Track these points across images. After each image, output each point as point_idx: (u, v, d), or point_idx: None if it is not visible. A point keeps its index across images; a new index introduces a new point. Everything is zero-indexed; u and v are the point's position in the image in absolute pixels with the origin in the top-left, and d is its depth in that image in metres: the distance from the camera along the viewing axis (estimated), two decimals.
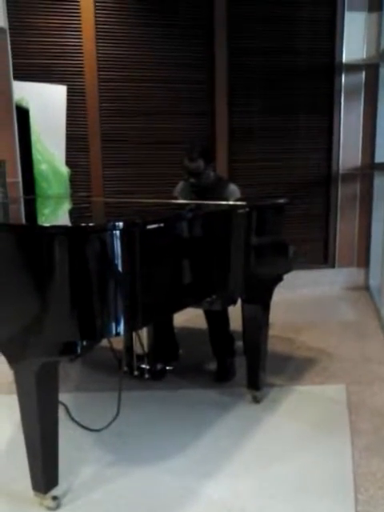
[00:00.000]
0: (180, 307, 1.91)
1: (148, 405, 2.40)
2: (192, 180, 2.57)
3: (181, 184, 2.82)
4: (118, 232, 1.53)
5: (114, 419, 2.20)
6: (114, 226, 1.53)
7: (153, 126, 3.99)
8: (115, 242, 1.53)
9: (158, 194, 3.76)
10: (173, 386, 2.56)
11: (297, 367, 2.79)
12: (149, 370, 2.51)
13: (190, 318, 3.49)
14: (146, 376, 2.49)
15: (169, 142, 4.01)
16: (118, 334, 1.58)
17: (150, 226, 1.65)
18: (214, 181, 2.66)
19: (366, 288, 4.27)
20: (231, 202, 2.45)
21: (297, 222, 4.30)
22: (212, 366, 2.74)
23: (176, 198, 2.77)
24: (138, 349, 2.51)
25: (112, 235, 1.52)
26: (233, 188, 2.67)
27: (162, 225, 1.71)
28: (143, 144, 3.99)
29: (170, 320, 2.82)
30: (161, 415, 2.31)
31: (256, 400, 2.40)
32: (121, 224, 1.54)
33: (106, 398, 2.41)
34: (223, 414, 2.31)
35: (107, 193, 3.95)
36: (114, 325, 1.57)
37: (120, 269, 1.56)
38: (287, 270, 2.54)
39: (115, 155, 3.97)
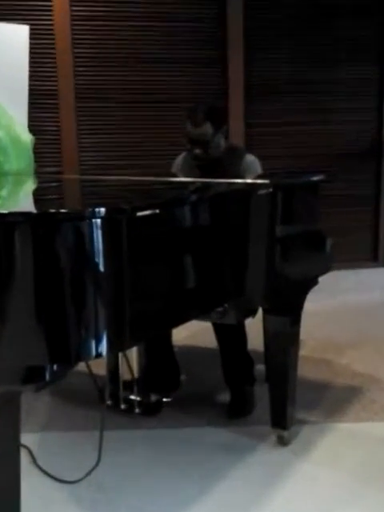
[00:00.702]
0: (181, 320, 1.90)
1: (138, 449, 2.40)
2: (196, 151, 2.55)
3: (182, 157, 2.81)
4: (98, 221, 1.52)
5: (94, 468, 2.20)
6: (94, 212, 1.53)
7: (144, 79, 3.99)
8: (95, 234, 1.53)
9: (152, 170, 3.76)
10: (172, 424, 2.56)
11: (336, 399, 2.79)
12: (140, 402, 2.52)
13: (194, 333, 3.50)
14: (137, 410, 2.50)
15: (165, 100, 4.01)
16: (99, 355, 1.58)
17: (140, 213, 1.64)
18: (226, 152, 2.65)
19: None
20: (249, 180, 2.44)
21: (336, 206, 4.29)
22: (224, 396, 2.75)
23: (175, 176, 2.76)
24: (125, 375, 2.52)
25: (90, 225, 1.52)
26: (251, 161, 2.66)
27: (156, 211, 1.70)
28: (131, 103, 3.99)
29: (168, 337, 2.83)
30: (155, 463, 2.31)
31: (282, 442, 2.40)
32: (102, 210, 1.53)
33: (84, 440, 2.42)
34: (239, 462, 2.31)
35: (84, 168, 3.96)
36: (93, 343, 1.56)
37: (101, 269, 1.55)
38: (324, 270, 2.54)
39: (94, 118, 3.97)
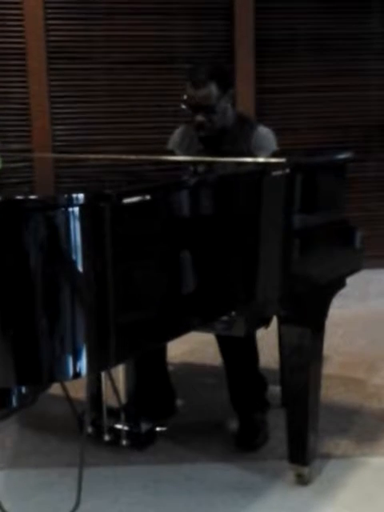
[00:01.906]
0: (179, 331, 1.91)
1: (126, 489, 2.40)
2: (199, 118, 2.55)
3: (180, 130, 2.82)
4: (75, 209, 1.53)
5: None
6: (70, 199, 1.53)
7: (132, 34, 3.99)
8: (72, 226, 1.53)
9: (142, 147, 3.75)
10: (167, 459, 2.57)
11: (368, 427, 2.79)
12: (128, 432, 2.52)
13: (194, 348, 3.50)
14: (124, 442, 2.50)
15: (158, 61, 4.01)
16: (77, 375, 1.58)
17: (127, 200, 1.65)
18: (235, 123, 2.65)
19: None
20: (261, 159, 2.45)
21: (368, 190, 4.29)
22: (231, 425, 2.75)
23: (172, 153, 2.76)
24: (110, 399, 2.52)
25: (66, 215, 1.52)
26: (264, 135, 2.66)
27: (147, 197, 1.71)
28: (116, 64, 3.99)
29: (162, 352, 2.83)
30: (147, 507, 2.31)
31: (302, 481, 2.41)
32: (80, 196, 1.54)
33: (59, 479, 2.42)
34: (249, 505, 2.31)
35: (58, 145, 3.95)
36: (70, 360, 1.57)
37: (80, 269, 1.56)
38: (353, 270, 2.55)
39: (70, 83, 3.96)
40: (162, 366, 2.86)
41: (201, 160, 2.57)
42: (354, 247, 2.56)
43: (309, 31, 4.15)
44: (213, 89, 2.52)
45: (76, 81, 3.97)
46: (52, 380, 1.58)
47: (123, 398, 2.52)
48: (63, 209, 1.52)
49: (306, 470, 2.40)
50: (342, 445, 2.65)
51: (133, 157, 2.73)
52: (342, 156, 2.50)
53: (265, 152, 2.57)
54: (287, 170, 2.18)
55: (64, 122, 3.99)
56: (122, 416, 2.50)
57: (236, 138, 2.63)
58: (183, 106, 2.58)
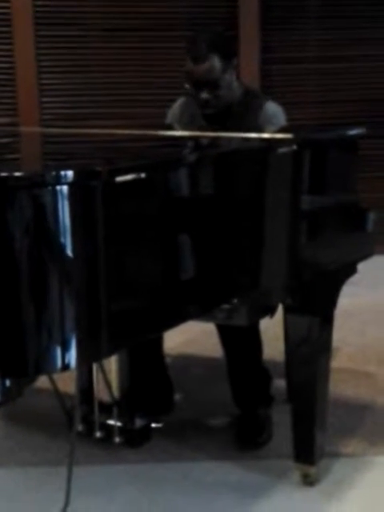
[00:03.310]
0: (176, 320, 1.91)
1: (119, 489, 2.41)
2: (204, 95, 2.54)
3: (180, 103, 2.80)
4: (64, 187, 1.53)
5: None
6: (58, 176, 1.53)
7: None
8: (60, 206, 1.53)
9: (138, 121, 3.74)
10: (163, 457, 2.58)
11: (379, 424, 2.80)
12: (121, 428, 2.53)
13: (193, 338, 3.50)
14: (117, 439, 2.51)
15: (156, 28, 3.99)
16: (66, 367, 1.58)
17: (120, 178, 1.64)
18: (242, 97, 2.65)
19: None
20: (268, 135, 2.43)
21: (382, 169, 4.28)
22: (231, 420, 2.76)
23: (171, 128, 2.75)
24: (102, 393, 2.52)
25: (54, 193, 1.52)
26: (273, 111, 2.65)
27: (141, 175, 1.70)
28: (110, 32, 3.98)
29: (159, 343, 2.83)
30: (142, 507, 2.32)
31: (309, 481, 2.41)
32: (69, 174, 1.54)
33: (48, 478, 2.43)
34: (251, 506, 2.32)
35: (46, 118, 3.94)
36: (58, 351, 1.57)
37: (69, 253, 1.56)
38: (365, 255, 2.55)
39: (60, 51, 3.95)
40: (158, 357, 2.86)
41: (202, 135, 2.56)
42: (366, 231, 2.56)
43: None
44: (215, 62, 2.50)
45: (66, 49, 3.96)
46: (38, 372, 1.59)
47: (116, 392, 2.52)
48: (50, 187, 1.52)
49: (312, 470, 2.41)
50: (351, 443, 2.66)
51: (128, 132, 2.72)
52: (353, 132, 2.48)
53: (273, 127, 2.56)
54: (294, 147, 2.17)
55: (53, 93, 3.99)
56: (115, 411, 2.51)
57: (243, 114, 2.62)
58: (186, 85, 2.56)
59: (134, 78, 4.00)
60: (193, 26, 3.77)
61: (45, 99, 3.96)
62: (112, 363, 2.53)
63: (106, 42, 3.98)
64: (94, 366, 2.47)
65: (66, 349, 1.57)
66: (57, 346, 1.56)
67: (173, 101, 2.84)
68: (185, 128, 2.71)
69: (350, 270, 2.48)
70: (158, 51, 3.98)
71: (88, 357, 1.69)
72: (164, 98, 2.95)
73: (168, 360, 3.05)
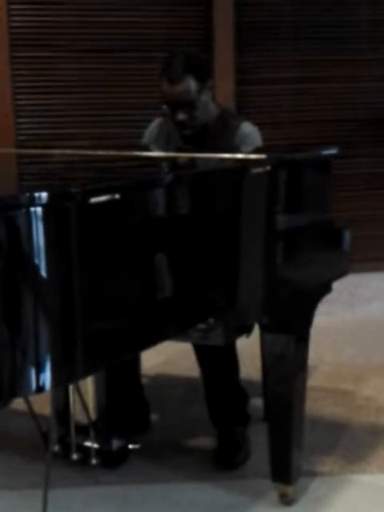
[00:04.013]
0: (152, 340, 1.91)
1: (97, 511, 2.39)
2: (181, 116, 2.56)
3: (156, 124, 2.82)
4: (38, 209, 1.52)
5: None
6: (32, 198, 1.53)
7: (103, 20, 3.99)
8: (34, 228, 1.53)
9: (114, 142, 3.74)
10: (140, 478, 2.56)
11: (357, 442, 2.80)
12: (98, 450, 2.52)
13: (169, 358, 3.49)
14: (94, 461, 2.49)
15: (131, 49, 4.01)
16: (40, 389, 1.57)
17: (95, 199, 1.64)
18: (218, 118, 2.67)
19: None
20: (241, 155, 2.45)
21: (357, 188, 4.32)
22: (209, 441, 2.76)
23: (147, 149, 2.77)
24: (78, 415, 2.51)
25: (28, 215, 1.52)
26: (249, 132, 2.68)
27: (116, 196, 1.70)
28: (86, 53, 3.98)
29: (135, 364, 2.83)
30: None
31: (286, 501, 2.41)
32: (43, 195, 1.53)
33: (22, 502, 2.41)
34: None
35: (22, 139, 3.93)
36: (32, 373, 1.56)
37: (43, 274, 1.55)
38: (340, 274, 2.56)
39: (35, 72, 3.94)
40: (135, 378, 2.86)
41: (178, 156, 2.57)
42: (341, 249, 2.57)
43: (293, 18, 4.18)
44: (190, 83, 2.52)
45: (41, 70, 3.96)
46: (12, 395, 1.58)
47: (93, 414, 2.52)
48: (24, 209, 1.51)
49: (290, 489, 2.40)
50: (328, 462, 2.66)
51: (104, 153, 2.73)
52: (326, 152, 2.51)
53: (249, 148, 2.59)
54: (268, 167, 2.18)
55: (28, 114, 3.97)
56: (92, 433, 2.50)
57: (219, 134, 2.64)
58: (163, 106, 2.58)
59: (109, 98, 4.01)
60: (167, 47, 3.79)
61: (20, 120, 3.95)
62: (88, 384, 2.52)
63: (81, 63, 3.98)
64: (71, 388, 2.45)
65: (40, 371, 1.56)
66: (31, 368, 1.55)
67: (147, 121, 2.85)
68: (161, 148, 2.73)
69: (325, 288, 2.49)
70: (132, 72, 3.99)
71: (63, 378, 1.68)
72: (139, 118, 2.97)
73: (145, 380, 3.05)
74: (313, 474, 2.56)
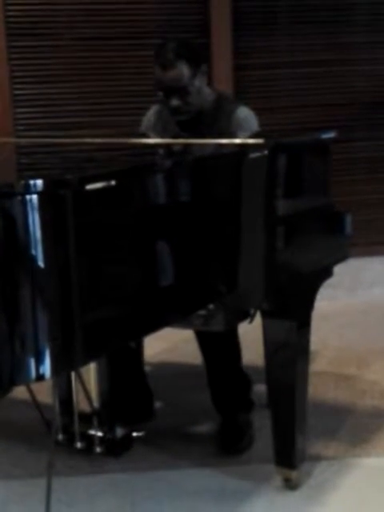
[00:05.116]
0: (153, 326, 1.91)
1: (100, 499, 2.40)
2: (174, 102, 2.55)
3: (153, 111, 2.81)
4: (33, 197, 1.52)
5: None
6: (28, 186, 1.52)
7: (99, 8, 3.97)
8: (30, 216, 1.52)
9: (112, 130, 3.73)
10: (144, 466, 2.57)
11: (361, 426, 2.81)
12: (102, 438, 2.52)
13: (172, 345, 3.50)
14: (98, 449, 2.49)
15: (128, 36, 3.99)
16: (40, 377, 1.58)
17: (91, 186, 1.64)
18: (213, 103, 2.65)
19: None
20: (239, 140, 2.44)
21: (357, 172, 4.30)
22: (213, 427, 2.76)
23: (145, 136, 2.76)
24: (82, 403, 2.51)
25: (24, 203, 1.52)
26: (245, 116, 2.66)
27: (112, 183, 1.70)
28: (83, 41, 3.97)
29: (138, 351, 2.84)
30: None
31: (290, 485, 2.42)
32: (39, 183, 1.53)
33: (27, 490, 2.41)
34: (234, 511, 2.32)
35: (21, 129, 3.92)
36: (32, 362, 1.56)
37: (40, 263, 1.55)
38: (341, 258, 2.56)
39: (32, 61, 3.93)
40: (138, 365, 2.86)
41: (175, 142, 2.56)
42: (341, 234, 2.56)
43: (289, 2, 4.15)
44: (183, 68, 2.51)
45: (38, 59, 3.94)
46: (12, 384, 1.58)
47: (96, 402, 2.51)
48: (20, 197, 1.51)
49: (294, 474, 2.41)
50: (332, 446, 2.66)
51: (101, 140, 2.72)
52: (324, 136, 2.50)
53: (245, 133, 2.57)
54: (266, 152, 2.17)
55: (26, 103, 3.96)
56: (95, 421, 2.49)
57: (215, 119, 2.62)
58: (159, 93, 2.57)
59: (107, 86, 3.99)
60: (164, 33, 3.77)
61: (18, 109, 3.94)
62: (91, 372, 2.52)
63: (78, 51, 3.96)
64: (73, 376, 2.46)
65: (40, 359, 1.56)
66: (31, 356, 1.55)
67: (145, 109, 2.84)
68: (159, 136, 2.72)
69: (326, 273, 2.49)
70: (130, 59, 3.98)
71: (63, 366, 1.68)
72: (137, 105, 2.96)
73: (148, 368, 3.05)
74: (317, 459, 2.56)
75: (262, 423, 2.66)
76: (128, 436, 2.59)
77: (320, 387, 3.04)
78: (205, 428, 2.81)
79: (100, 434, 2.50)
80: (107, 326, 1.73)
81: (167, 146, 2.58)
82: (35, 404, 2.38)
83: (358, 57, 4.26)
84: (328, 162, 2.50)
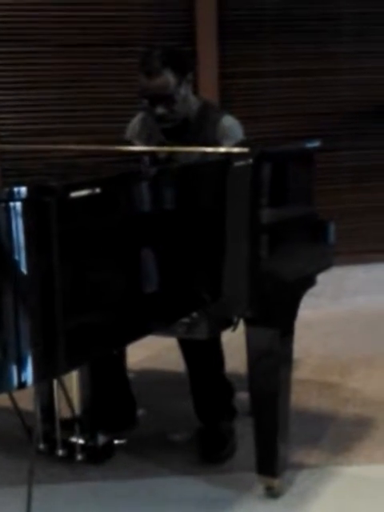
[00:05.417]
0: (136, 334, 1.91)
1: (82, 507, 2.39)
2: (159, 110, 2.54)
3: (138, 119, 2.81)
4: (17, 204, 1.52)
5: None
6: (11, 193, 1.52)
7: (84, 14, 3.97)
8: (13, 223, 1.52)
9: (97, 137, 3.73)
10: (126, 474, 2.56)
11: (343, 434, 2.81)
12: (83, 445, 2.50)
13: (155, 353, 3.49)
14: (79, 457, 2.48)
15: (114, 43, 3.99)
16: (22, 385, 1.57)
17: (75, 194, 1.64)
18: (199, 111, 2.66)
19: None
20: (224, 149, 2.45)
21: (341, 181, 4.33)
22: (196, 435, 2.76)
23: (130, 144, 2.76)
24: (63, 410, 2.50)
25: (7, 210, 1.51)
26: (230, 125, 2.67)
27: (97, 190, 1.70)
28: (68, 47, 3.96)
29: (121, 358, 2.83)
30: None
31: (272, 493, 2.41)
32: (23, 190, 1.53)
33: (7, 499, 2.40)
34: None
35: (5, 135, 3.91)
36: (13, 369, 1.55)
37: (23, 270, 1.55)
38: (324, 266, 2.57)
39: (16, 67, 3.92)
40: (120, 373, 2.85)
41: (160, 150, 2.56)
42: (325, 242, 2.58)
43: (276, 11, 4.16)
44: (169, 76, 2.50)
45: (22, 65, 3.93)
46: None
47: (78, 409, 2.50)
48: (4, 204, 1.51)
49: (276, 482, 2.41)
50: (314, 454, 2.67)
51: (86, 147, 2.72)
52: (309, 145, 2.51)
53: (230, 141, 2.58)
54: (251, 160, 2.18)
55: (9, 110, 3.95)
56: (77, 428, 2.48)
57: (200, 128, 2.63)
58: (144, 101, 2.57)
59: (92, 93, 3.99)
60: (149, 41, 3.77)
61: (3, 115, 3.93)
62: (73, 379, 2.51)
63: (63, 57, 3.96)
64: (55, 383, 2.45)
65: (22, 366, 1.56)
66: (12, 364, 1.55)
67: (130, 116, 2.84)
68: (144, 143, 2.72)
69: (309, 281, 2.50)
70: (116, 67, 3.98)
71: (45, 374, 1.67)
72: (122, 113, 2.96)
73: (131, 375, 3.04)
74: (299, 467, 2.56)
75: (244, 431, 2.65)
76: (110, 444, 2.58)
77: (303, 395, 3.05)
78: (186, 436, 2.80)
79: (82, 441, 2.49)
80: (90, 334, 1.72)
81: (152, 154, 2.58)
82: (16, 411, 2.36)
83: (344, 66, 4.29)
84: (312, 171, 2.51)
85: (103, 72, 3.99)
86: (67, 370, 1.85)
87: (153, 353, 3.49)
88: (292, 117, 4.19)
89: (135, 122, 2.81)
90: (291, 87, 4.20)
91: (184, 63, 2.63)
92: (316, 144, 2.50)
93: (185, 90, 2.57)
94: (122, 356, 2.86)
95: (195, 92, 2.71)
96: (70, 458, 2.49)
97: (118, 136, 2.90)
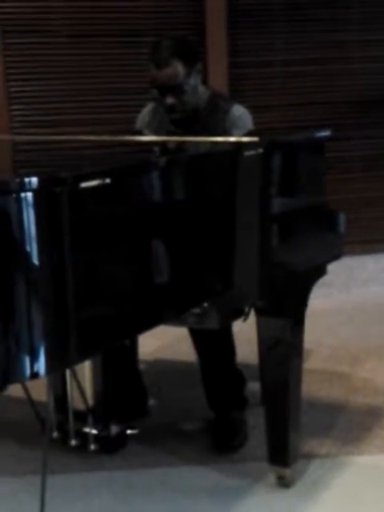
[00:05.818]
0: (147, 324, 1.91)
1: (95, 497, 2.40)
2: (169, 100, 2.55)
3: (148, 109, 2.81)
4: (28, 195, 1.52)
5: None
6: (22, 183, 1.52)
7: (95, 5, 3.95)
8: (25, 214, 1.52)
9: (107, 127, 3.73)
10: (139, 464, 2.58)
11: (354, 424, 2.81)
12: (96, 436, 2.52)
13: (166, 343, 3.50)
14: (92, 447, 2.50)
15: (124, 34, 3.98)
16: (35, 375, 1.57)
17: (86, 184, 1.64)
18: (208, 101, 2.66)
19: None
20: (234, 138, 2.44)
21: (351, 171, 4.31)
22: (207, 425, 2.76)
23: (140, 134, 2.76)
24: (76, 401, 2.51)
25: (18, 201, 1.51)
26: (240, 114, 2.67)
27: (107, 181, 1.70)
28: (78, 38, 3.96)
29: (132, 349, 2.84)
30: None
31: (284, 483, 2.42)
32: (34, 180, 1.53)
33: (21, 488, 2.41)
34: (228, 509, 2.32)
35: (15, 126, 3.91)
36: (26, 359, 1.56)
37: (35, 261, 1.55)
38: (335, 256, 2.56)
39: (27, 58, 3.92)
40: (132, 363, 2.86)
41: (170, 140, 2.56)
42: (335, 232, 2.57)
43: (285, 0, 4.14)
44: (178, 66, 2.50)
45: (33, 56, 3.93)
46: (6, 381, 1.57)
47: (91, 400, 2.52)
48: (14, 194, 1.51)
49: (287, 472, 2.41)
50: (325, 444, 2.67)
51: (96, 138, 2.72)
52: (319, 134, 2.50)
53: (240, 131, 2.58)
54: (261, 150, 2.18)
55: (22, 101, 3.95)
56: (90, 419, 2.50)
57: (210, 117, 2.63)
58: (154, 91, 2.57)
59: (102, 84, 3.98)
60: (159, 31, 3.76)
61: (13, 107, 3.93)
62: (86, 370, 2.53)
63: (73, 48, 3.95)
64: (68, 374, 2.46)
65: (34, 357, 1.56)
66: (25, 354, 1.55)
67: (140, 106, 2.84)
68: (154, 133, 2.72)
69: (320, 271, 2.49)
70: (125, 57, 3.97)
71: (57, 364, 1.68)
72: (132, 103, 2.95)
73: (142, 366, 3.05)
74: (310, 456, 2.57)
75: (255, 421, 2.66)
76: (122, 433, 2.60)
77: (314, 385, 3.05)
78: (198, 426, 2.80)
79: (94, 431, 2.51)
80: (102, 324, 1.73)
81: (162, 144, 2.58)
82: (30, 402, 2.38)
83: (354, 55, 4.26)
84: (322, 160, 2.51)
85: (114, 63, 3.99)
86: (79, 360, 1.87)
87: (164, 343, 3.49)
88: (302, 106, 4.17)
89: (145, 112, 2.82)
90: (301, 76, 4.19)
91: (193, 53, 2.64)
92: (326, 133, 2.49)
93: (194, 80, 2.57)
94: (133, 346, 2.87)
95: (205, 82, 2.70)
96: (83, 447, 2.51)
97: (128, 126, 2.90)
